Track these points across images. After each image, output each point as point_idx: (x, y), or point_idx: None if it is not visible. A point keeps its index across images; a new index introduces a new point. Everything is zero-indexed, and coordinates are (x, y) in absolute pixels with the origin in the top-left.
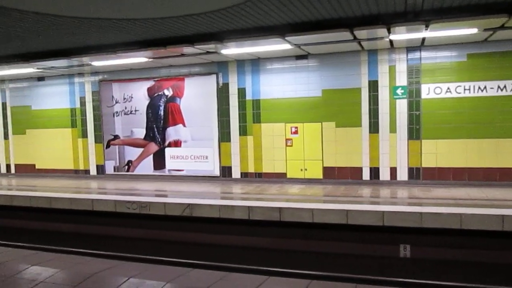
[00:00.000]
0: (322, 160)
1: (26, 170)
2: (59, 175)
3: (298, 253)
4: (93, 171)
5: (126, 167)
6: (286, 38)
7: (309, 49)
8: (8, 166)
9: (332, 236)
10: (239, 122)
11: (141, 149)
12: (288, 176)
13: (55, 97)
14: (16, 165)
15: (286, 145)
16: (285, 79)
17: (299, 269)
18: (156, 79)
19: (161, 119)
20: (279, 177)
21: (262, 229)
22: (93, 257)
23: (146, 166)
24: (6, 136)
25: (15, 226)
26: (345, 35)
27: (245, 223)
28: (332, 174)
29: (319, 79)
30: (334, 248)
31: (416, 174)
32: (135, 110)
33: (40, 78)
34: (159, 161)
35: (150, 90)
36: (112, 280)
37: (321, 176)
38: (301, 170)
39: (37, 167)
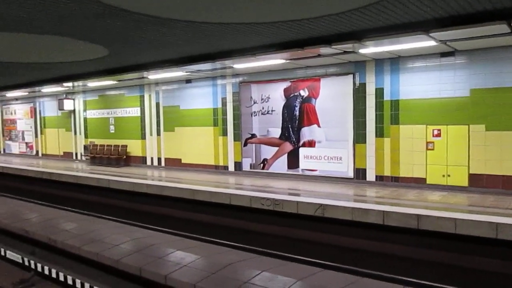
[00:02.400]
0: (468, 166)
1: (174, 164)
2: (201, 170)
3: (437, 265)
4: (231, 167)
5: (262, 165)
6: (431, 34)
7: (456, 45)
8: (159, 160)
9: (477, 250)
10: (376, 123)
11: (276, 148)
12: (428, 182)
13: (200, 97)
14: (165, 159)
15: (427, 149)
16: (428, 78)
17: (438, 283)
18: (292, 80)
19: (296, 119)
20: (418, 183)
21: (396, 236)
22: (230, 248)
23: (281, 164)
24: (158, 133)
25: (164, 213)
26: (501, 28)
27: (378, 228)
28: (479, 182)
29: (467, 77)
30: (480, 265)
31: None
32: (272, 110)
33: (188, 81)
34: (293, 161)
35: (286, 91)
36: (246, 271)
37: (466, 184)
38: (443, 176)
39: (182, 161)
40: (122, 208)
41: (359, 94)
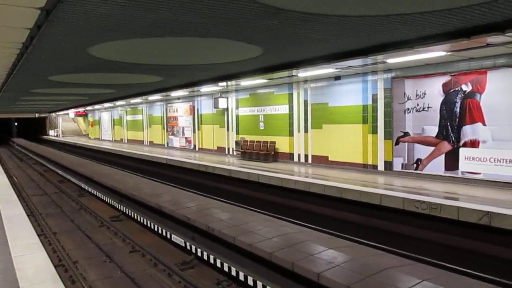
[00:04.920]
0: None
1: (320, 161)
2: (348, 168)
3: None
4: (380, 166)
5: (415, 165)
6: None
7: None
8: (306, 157)
9: None
10: None
11: (432, 148)
12: None
13: (349, 94)
14: (312, 156)
15: None
16: None
17: None
18: (452, 74)
19: (456, 116)
20: None
21: None
22: (382, 251)
23: (436, 165)
24: (306, 130)
25: (310, 209)
26: None
27: None
28: None
29: None
30: None
31: None
32: (428, 107)
33: (337, 77)
34: (451, 162)
35: (445, 86)
36: (404, 279)
37: None
38: None
39: (329, 159)
40: (270, 202)
41: None
